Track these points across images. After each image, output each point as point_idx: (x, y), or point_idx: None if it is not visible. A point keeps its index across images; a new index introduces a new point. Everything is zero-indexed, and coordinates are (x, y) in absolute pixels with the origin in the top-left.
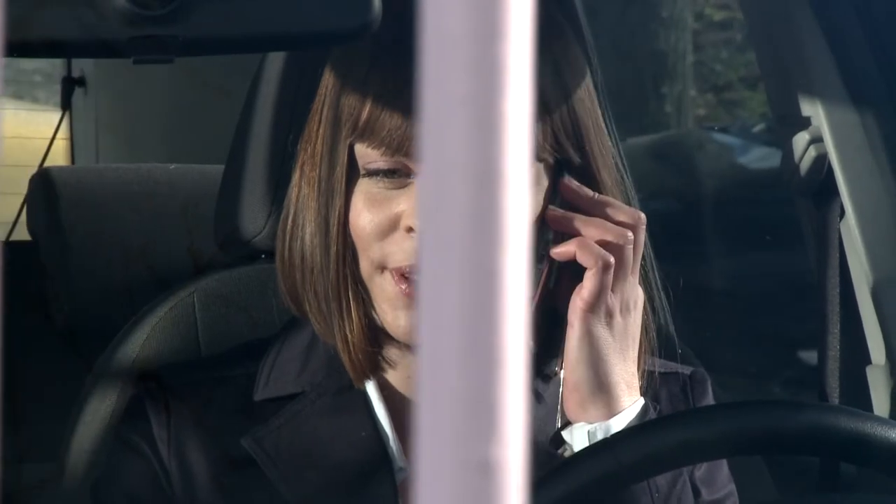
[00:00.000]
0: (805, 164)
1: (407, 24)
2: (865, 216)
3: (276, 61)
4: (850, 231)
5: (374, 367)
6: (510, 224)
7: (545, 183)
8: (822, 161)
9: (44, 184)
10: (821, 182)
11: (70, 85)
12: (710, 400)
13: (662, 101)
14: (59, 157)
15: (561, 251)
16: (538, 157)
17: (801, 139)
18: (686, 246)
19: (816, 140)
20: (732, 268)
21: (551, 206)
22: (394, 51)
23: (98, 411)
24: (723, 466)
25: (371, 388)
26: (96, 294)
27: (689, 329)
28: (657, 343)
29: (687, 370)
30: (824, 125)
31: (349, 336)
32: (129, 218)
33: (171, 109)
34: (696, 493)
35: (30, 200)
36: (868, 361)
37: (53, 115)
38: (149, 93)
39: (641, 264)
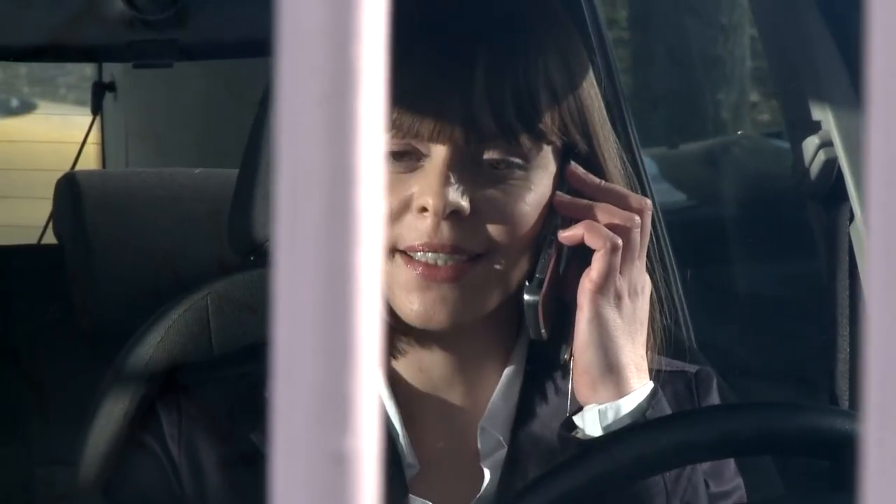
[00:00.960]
0: (815, 168)
1: (421, 7)
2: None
3: None
4: (860, 235)
5: (384, 360)
6: (364, 222)
7: (552, 168)
8: (831, 165)
9: (69, 188)
10: (831, 186)
11: (100, 90)
12: (714, 399)
13: (719, 107)
14: (90, 161)
15: (569, 234)
16: (546, 140)
17: (811, 143)
18: (740, 250)
19: (826, 144)
20: (787, 273)
21: (558, 192)
22: (401, 37)
23: (112, 412)
24: (730, 462)
25: (381, 383)
26: (121, 297)
27: (739, 333)
28: (665, 339)
29: (693, 369)
30: (834, 130)
31: None
32: (154, 222)
33: (200, 114)
34: (705, 485)
35: (56, 204)
36: None
37: (86, 120)
38: (177, 97)
39: (648, 262)
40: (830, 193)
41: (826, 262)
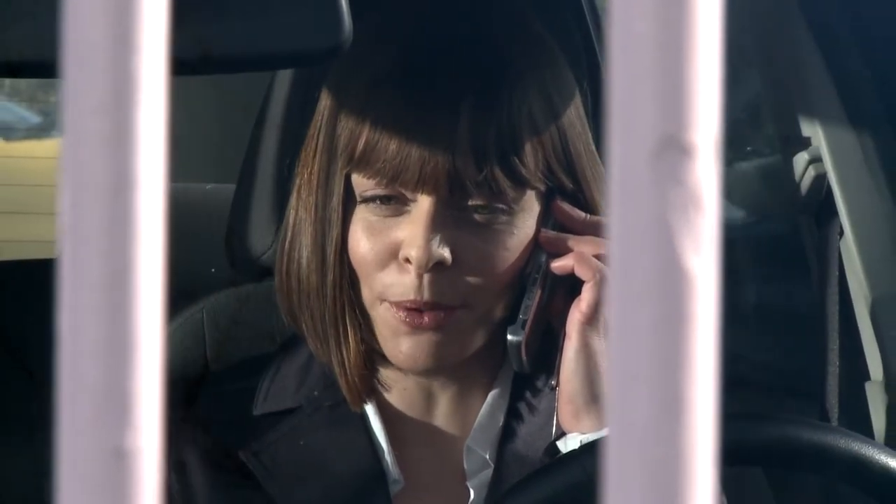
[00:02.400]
0: (805, 184)
1: (407, 54)
2: (863, 235)
3: (283, 83)
4: (849, 249)
5: (370, 391)
6: (144, 228)
7: (537, 209)
8: (821, 180)
9: None
10: (821, 201)
11: None
12: None
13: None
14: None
15: (559, 265)
16: (530, 186)
17: (800, 159)
18: (796, 269)
19: (816, 160)
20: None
21: (543, 229)
22: (392, 80)
23: None
24: None
25: (367, 404)
26: (172, 317)
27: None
28: None
29: None
30: (823, 145)
31: (346, 361)
32: (203, 239)
33: (215, 129)
34: None
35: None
36: (867, 377)
37: None
38: (192, 113)
39: None
40: (821, 208)
41: (817, 276)
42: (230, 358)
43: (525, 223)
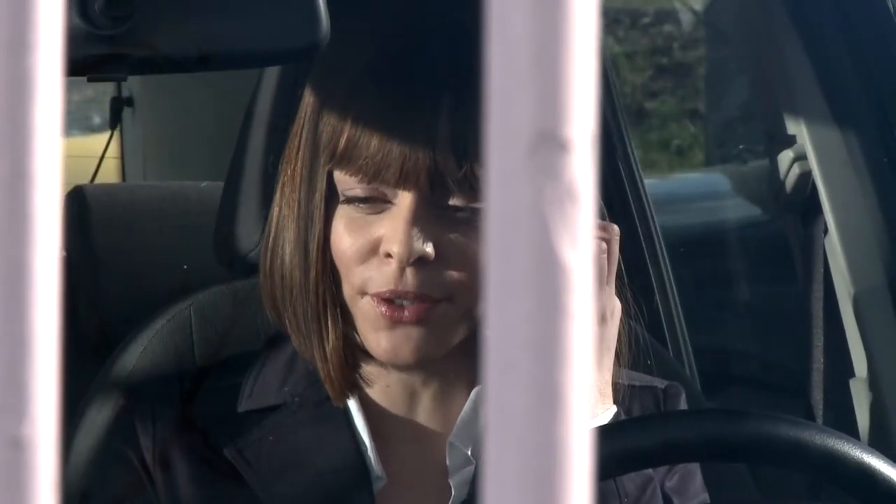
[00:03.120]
0: (790, 181)
1: (388, 53)
2: (847, 232)
3: (270, 80)
4: (834, 246)
5: (353, 386)
6: (40, 223)
7: None
8: (806, 178)
9: (76, 201)
10: (806, 198)
11: (118, 105)
12: None
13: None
14: (110, 176)
15: None
16: None
17: (785, 156)
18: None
19: (801, 158)
20: None
21: None
22: (373, 79)
23: (94, 422)
24: (696, 476)
25: (351, 400)
26: (127, 309)
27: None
28: (639, 355)
29: (662, 384)
30: (808, 143)
31: (328, 356)
32: (160, 235)
33: (212, 128)
34: (668, 501)
35: (64, 218)
36: (852, 374)
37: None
38: (190, 112)
39: (617, 279)
40: (806, 206)
41: (801, 273)
42: (217, 355)
43: None
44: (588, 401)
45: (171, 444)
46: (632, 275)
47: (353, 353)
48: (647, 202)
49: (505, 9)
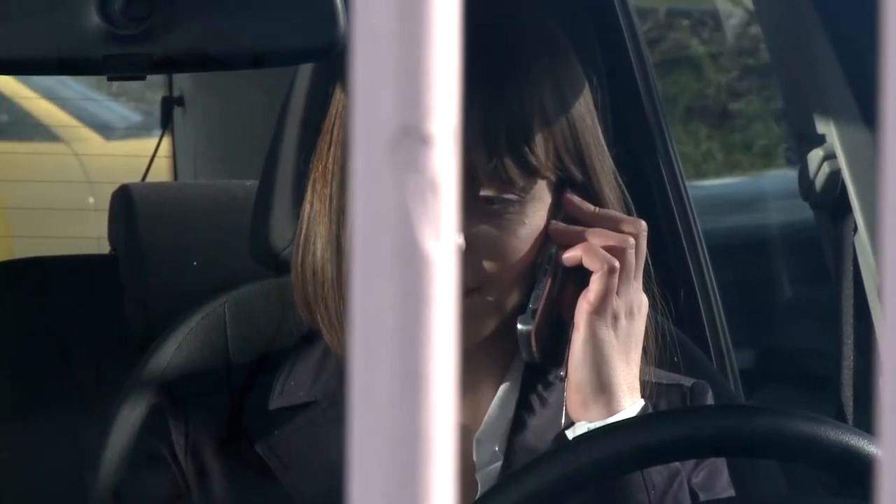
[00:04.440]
0: (820, 180)
1: None
2: (875, 231)
3: (304, 78)
4: (863, 245)
5: None
6: None
7: (548, 199)
8: (835, 177)
9: (123, 199)
10: (836, 197)
11: (169, 105)
12: None
13: None
14: (162, 175)
15: (569, 256)
16: (541, 176)
17: (815, 156)
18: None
19: (830, 157)
20: None
21: (554, 221)
22: None
23: (129, 418)
24: (722, 473)
25: None
26: (172, 307)
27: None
28: (666, 350)
29: (688, 382)
30: (837, 143)
31: None
32: (205, 233)
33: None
34: (694, 497)
35: (110, 215)
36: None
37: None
38: (241, 111)
39: (645, 277)
40: (836, 204)
41: (833, 272)
42: (250, 352)
43: (536, 213)
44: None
45: (203, 441)
46: (673, 275)
47: None
48: (689, 202)
49: (369, 9)
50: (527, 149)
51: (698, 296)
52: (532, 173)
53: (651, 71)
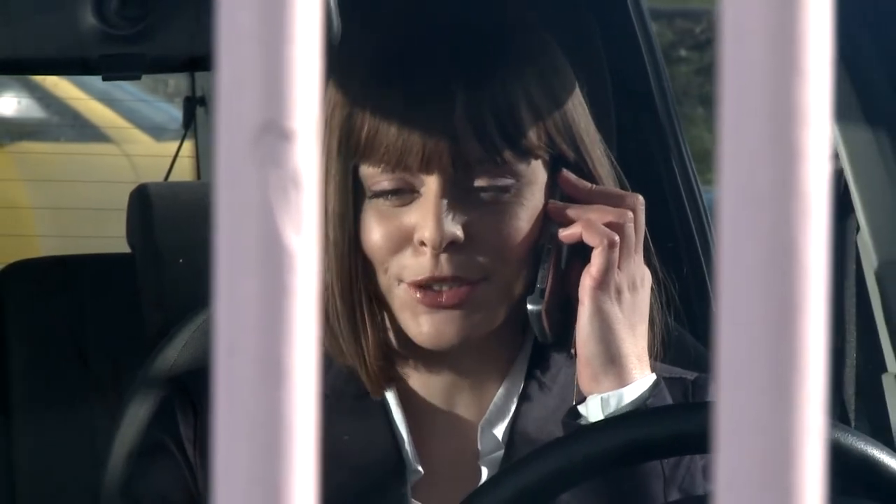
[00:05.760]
0: None
1: (398, 40)
2: (878, 230)
3: None
4: (865, 244)
5: (390, 380)
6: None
7: (543, 179)
8: (837, 176)
9: (140, 198)
10: (839, 196)
11: (191, 105)
12: None
13: None
14: (185, 174)
15: (568, 233)
16: (533, 156)
17: None
18: None
19: (832, 156)
20: None
21: (552, 201)
22: (386, 67)
23: (137, 414)
24: None
25: (390, 393)
26: (188, 305)
27: None
28: (667, 340)
29: (691, 376)
30: (839, 142)
31: (365, 353)
32: None
33: None
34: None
35: (128, 214)
36: (885, 370)
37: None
38: None
39: (644, 248)
40: (840, 204)
41: (836, 270)
42: None
43: (533, 195)
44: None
45: (211, 435)
46: (686, 274)
47: (389, 347)
48: (702, 203)
49: (233, 7)
50: (515, 129)
51: (712, 299)
52: (524, 154)
53: (664, 71)
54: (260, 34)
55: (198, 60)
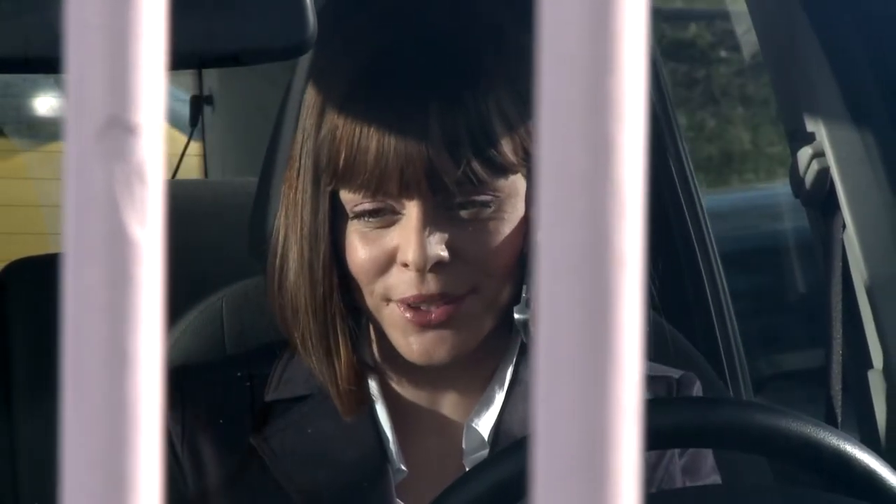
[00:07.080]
0: (809, 177)
1: (369, 70)
2: (864, 227)
3: (300, 78)
4: (851, 241)
5: (361, 402)
6: None
7: (524, 189)
8: (824, 174)
9: None
10: (825, 194)
11: (198, 103)
12: None
13: None
14: (192, 173)
15: None
16: (511, 171)
17: (804, 153)
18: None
19: (819, 154)
20: None
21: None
22: (359, 100)
23: None
24: (707, 457)
25: (375, 392)
26: (190, 303)
27: None
28: (662, 346)
29: (676, 374)
30: (826, 141)
31: (338, 374)
32: (226, 230)
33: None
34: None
35: None
36: (871, 366)
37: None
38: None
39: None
40: (825, 202)
41: (822, 267)
42: (247, 345)
43: (515, 207)
44: None
45: (199, 432)
46: (684, 279)
47: (363, 368)
48: (701, 206)
49: (80, 3)
50: (491, 148)
51: (710, 301)
52: (502, 171)
53: (662, 72)
54: (106, 26)
55: (184, 58)
